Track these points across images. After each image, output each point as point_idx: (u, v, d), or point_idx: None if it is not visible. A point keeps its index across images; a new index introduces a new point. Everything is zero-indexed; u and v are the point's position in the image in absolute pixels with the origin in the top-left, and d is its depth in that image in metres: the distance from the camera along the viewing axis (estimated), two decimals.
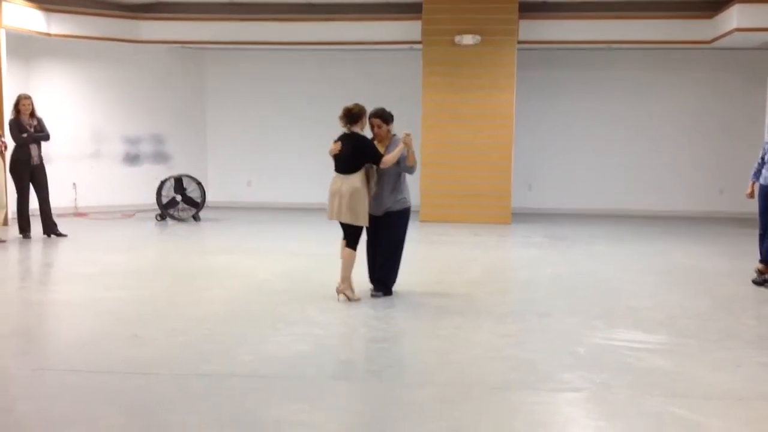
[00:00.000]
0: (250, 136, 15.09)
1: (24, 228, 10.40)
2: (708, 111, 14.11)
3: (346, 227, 6.76)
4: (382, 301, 6.77)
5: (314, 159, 14.82)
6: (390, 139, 6.89)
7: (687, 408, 4.25)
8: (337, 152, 6.73)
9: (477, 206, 12.65)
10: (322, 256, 9.42)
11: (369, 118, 6.85)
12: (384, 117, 6.86)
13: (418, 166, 7.07)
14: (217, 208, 14.59)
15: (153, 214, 12.99)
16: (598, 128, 14.37)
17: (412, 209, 7.07)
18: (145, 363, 4.97)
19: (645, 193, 14.32)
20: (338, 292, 6.74)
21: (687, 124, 14.17)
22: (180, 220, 12.69)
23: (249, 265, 8.74)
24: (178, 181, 12.73)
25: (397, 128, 7.03)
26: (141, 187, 13.92)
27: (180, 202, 12.74)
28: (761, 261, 8.12)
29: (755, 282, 7.76)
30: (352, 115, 6.73)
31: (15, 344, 5.50)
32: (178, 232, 11.66)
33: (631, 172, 14.33)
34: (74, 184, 13.55)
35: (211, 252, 10.14)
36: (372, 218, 6.77)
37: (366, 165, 6.71)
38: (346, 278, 6.74)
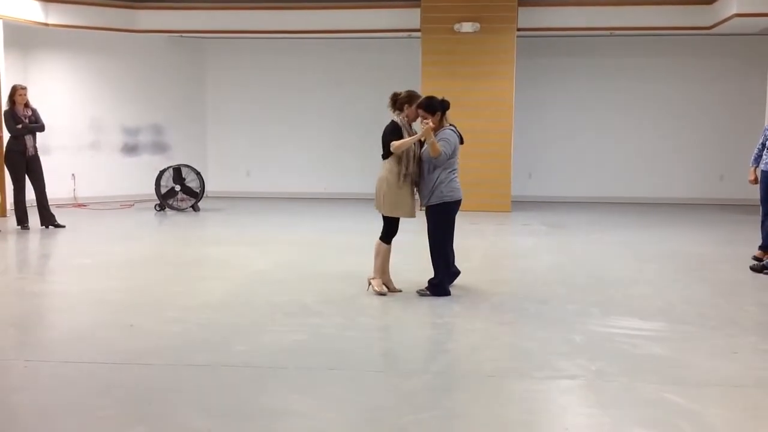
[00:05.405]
0: (250, 126, 15.03)
1: (22, 219, 10.38)
2: (708, 97, 14.04)
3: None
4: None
5: (314, 148, 14.85)
6: (442, 129, 6.46)
7: (683, 395, 4.24)
8: None
9: (476, 194, 12.53)
10: (320, 245, 9.41)
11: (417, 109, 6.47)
12: (425, 108, 6.40)
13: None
14: (216, 198, 14.57)
15: (152, 205, 12.98)
16: (598, 115, 14.32)
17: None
18: (141, 353, 4.96)
19: (645, 180, 14.28)
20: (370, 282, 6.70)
21: (687, 111, 14.12)
22: (179, 210, 12.67)
23: (247, 255, 8.73)
24: (177, 171, 12.70)
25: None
26: (140, 177, 13.89)
27: (179, 192, 12.71)
28: (761, 247, 8.14)
29: (753, 269, 7.73)
30: (393, 101, 6.53)
31: (11, 335, 5.49)
32: (176, 222, 11.65)
33: (631, 159, 14.29)
34: (73, 174, 13.53)
35: (209, 242, 10.14)
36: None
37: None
38: (377, 270, 6.63)
